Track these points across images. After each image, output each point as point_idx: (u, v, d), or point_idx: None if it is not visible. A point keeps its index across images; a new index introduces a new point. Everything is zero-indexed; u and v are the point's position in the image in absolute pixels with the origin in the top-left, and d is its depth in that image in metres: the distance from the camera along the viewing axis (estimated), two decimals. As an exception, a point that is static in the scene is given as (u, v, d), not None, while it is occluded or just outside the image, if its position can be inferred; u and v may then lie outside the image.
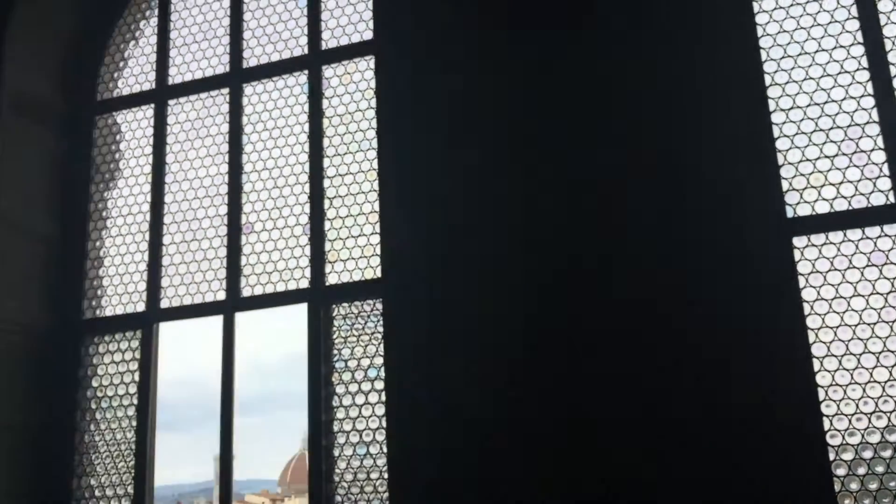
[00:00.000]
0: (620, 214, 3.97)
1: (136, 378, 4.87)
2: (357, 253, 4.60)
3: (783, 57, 4.03)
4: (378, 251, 4.52)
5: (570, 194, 4.07)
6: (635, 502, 3.65)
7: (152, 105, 5.29)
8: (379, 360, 4.39)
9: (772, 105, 3.97)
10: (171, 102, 5.28)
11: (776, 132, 3.95)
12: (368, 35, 4.84)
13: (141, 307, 4.99)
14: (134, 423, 4.79)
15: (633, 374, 3.77)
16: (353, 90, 4.85)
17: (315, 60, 4.93)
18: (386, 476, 4.21)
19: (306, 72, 4.96)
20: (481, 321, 4.08)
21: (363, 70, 4.83)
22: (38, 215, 5.05)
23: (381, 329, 4.42)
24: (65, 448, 4.84)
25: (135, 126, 5.34)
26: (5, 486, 4.53)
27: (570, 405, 3.83)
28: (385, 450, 4.25)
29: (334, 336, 4.53)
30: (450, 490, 3.94)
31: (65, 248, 5.16)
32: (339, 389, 4.44)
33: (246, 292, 4.80)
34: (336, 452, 4.36)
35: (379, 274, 4.47)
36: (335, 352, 4.51)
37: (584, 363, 3.85)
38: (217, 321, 4.80)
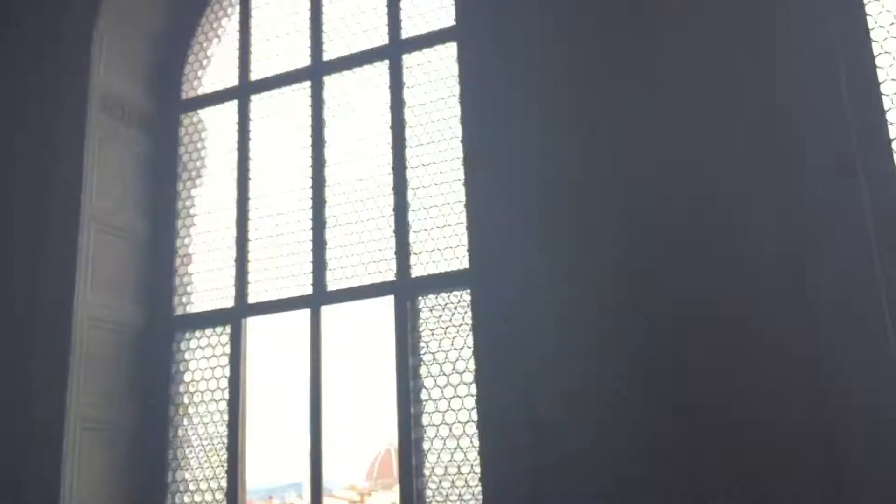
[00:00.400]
0: (728, 200, 3.77)
1: (227, 373, 4.89)
2: (443, 244, 4.51)
3: None
4: (464, 241, 4.43)
5: (667, 178, 3.89)
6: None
7: (235, 101, 5.31)
8: (467, 353, 4.29)
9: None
10: (253, 98, 5.29)
11: (888, 103, 3.69)
12: (450, 21, 4.74)
13: (229, 303, 5.02)
14: (225, 418, 4.82)
15: (737, 360, 3.57)
16: (436, 78, 4.76)
17: (396, 49, 4.86)
18: (477, 471, 4.12)
19: (387, 61, 4.90)
20: (573, 311, 3.93)
21: (445, 57, 4.74)
22: (130, 214, 5.13)
23: (468, 321, 4.33)
24: (159, 442, 4.90)
25: (219, 123, 5.37)
26: (103, 479, 4.61)
27: (675, 404, 3.65)
28: (476, 444, 4.16)
29: (421, 328, 4.46)
30: (542, 485, 3.82)
31: (155, 246, 5.23)
32: (428, 382, 4.36)
33: (332, 286, 4.77)
34: (426, 446, 4.29)
35: (466, 265, 4.38)
36: (423, 344, 4.43)
37: (691, 351, 3.67)
38: (304, 315, 4.79)
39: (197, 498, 4.79)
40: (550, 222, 4.09)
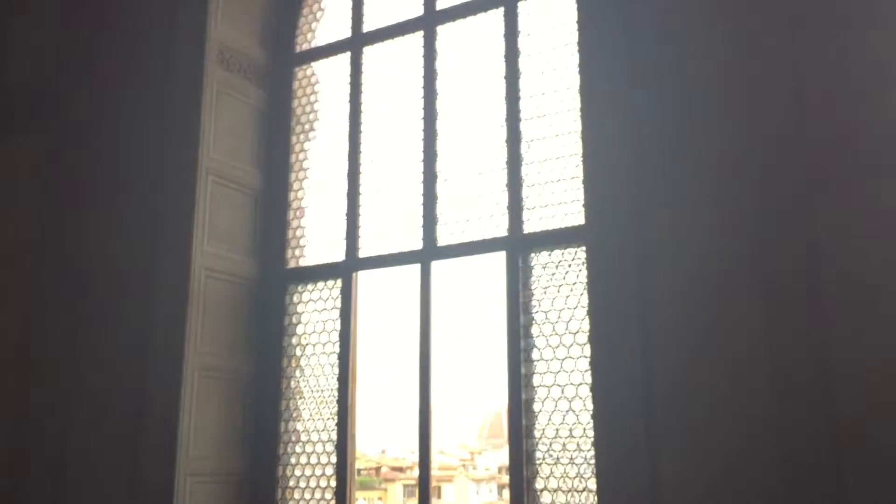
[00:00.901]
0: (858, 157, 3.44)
1: (337, 326, 4.90)
2: (557, 198, 4.33)
3: None
4: (580, 196, 4.24)
5: (799, 125, 3.58)
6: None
7: (348, 53, 5.25)
8: (581, 313, 4.12)
9: None
10: (366, 50, 5.21)
11: None
12: (567, -36, 4.50)
13: (340, 256, 5.01)
14: (336, 371, 4.83)
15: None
16: (552, 26, 4.54)
17: (511, -4, 4.67)
18: (590, 434, 3.97)
19: (502, 9, 4.71)
20: (698, 267, 3.70)
21: (563, 4, 4.50)
22: (245, 167, 5.17)
23: (582, 279, 4.15)
24: (273, 393, 4.97)
25: (332, 75, 5.33)
26: (218, 425, 4.72)
27: (814, 374, 3.38)
28: (589, 406, 4.00)
29: (533, 286, 4.31)
30: (659, 452, 3.64)
31: (269, 199, 5.27)
32: (540, 342, 4.22)
33: (442, 241, 4.68)
34: (536, 408, 4.16)
35: (581, 220, 4.19)
36: (534, 302, 4.29)
37: (826, 306, 3.39)
38: (414, 270, 4.72)
39: (308, 448, 4.84)
40: (672, 178, 3.85)
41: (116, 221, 5.16)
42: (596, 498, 3.87)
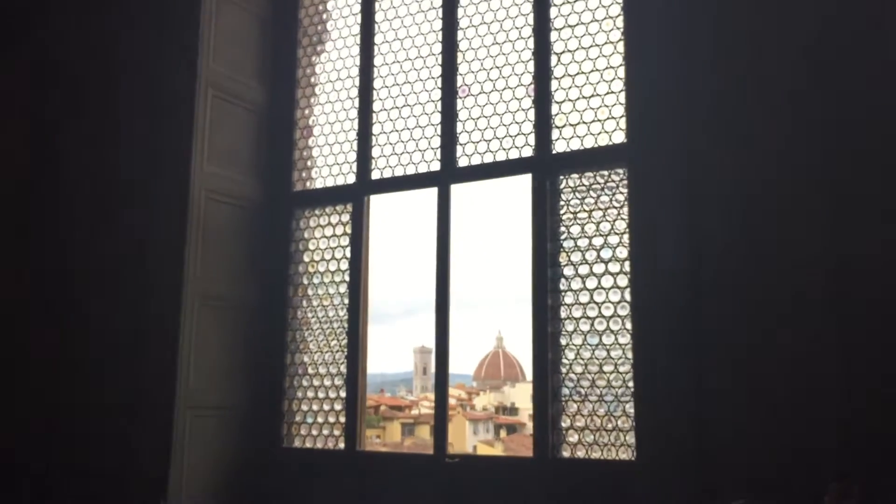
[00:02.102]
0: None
1: (348, 254, 4.58)
2: (589, 116, 3.97)
3: None
4: (615, 114, 3.88)
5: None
6: None
7: (360, -43, 4.82)
8: (614, 239, 3.80)
9: None
10: (380, -46, 4.78)
11: None
12: None
13: (351, 179, 4.66)
14: (346, 301, 4.53)
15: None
16: (587, -76, 4.12)
17: None
18: (622, 370, 3.68)
19: None
20: (755, 190, 3.36)
21: None
22: (248, 81, 4.78)
23: (616, 203, 3.82)
24: (278, 324, 4.67)
25: (342, -18, 4.91)
26: (220, 357, 4.43)
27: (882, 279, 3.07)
28: (620, 340, 3.70)
29: (562, 210, 3.97)
30: (704, 393, 3.35)
31: (274, 117, 4.90)
32: (568, 271, 3.90)
33: (462, 162, 4.32)
34: (563, 341, 3.86)
35: (616, 139, 3.85)
36: (563, 228, 3.96)
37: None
38: (431, 194, 4.39)
39: (316, 382, 4.56)
40: (723, 87, 3.48)
41: (112, 133, 4.80)
42: (628, 437, 3.61)
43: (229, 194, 4.60)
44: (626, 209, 3.78)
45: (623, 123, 3.80)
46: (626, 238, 3.75)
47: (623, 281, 3.74)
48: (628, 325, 3.69)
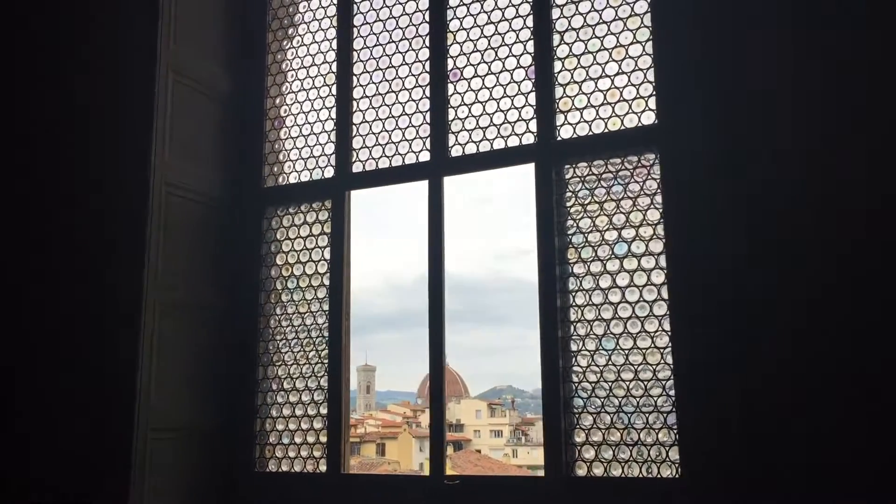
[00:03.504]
0: None
1: (327, 255, 4.14)
2: (598, 99, 3.62)
3: None
4: (629, 94, 3.54)
5: None
6: None
7: (337, -69, 4.42)
8: (629, 232, 3.45)
9: None
10: (358, -73, 4.38)
11: None
12: None
13: (329, 173, 4.23)
14: (325, 308, 4.09)
15: None
16: None
17: None
18: (643, 377, 3.32)
19: None
20: (808, 169, 3.05)
21: None
22: (212, 66, 4.33)
23: (631, 192, 3.47)
24: (249, 334, 4.21)
25: (317, -42, 4.49)
26: (185, 369, 3.94)
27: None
28: (640, 344, 3.35)
29: (569, 203, 3.61)
30: (733, 389, 3.01)
31: (241, 107, 4.45)
32: (578, 269, 3.54)
33: (455, 151, 3.94)
34: (574, 346, 3.49)
35: (632, 123, 3.52)
36: (570, 222, 3.60)
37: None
38: (421, 188, 3.99)
39: (292, 398, 4.10)
40: (759, 62, 3.17)
41: (65, 115, 4.28)
42: (652, 451, 3.25)
43: (194, 190, 4.13)
44: (642, 199, 3.44)
45: (652, 103, 3.46)
46: (644, 231, 3.41)
47: (641, 279, 3.39)
48: (649, 327, 3.34)
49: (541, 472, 3.51)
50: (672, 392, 3.25)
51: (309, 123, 4.36)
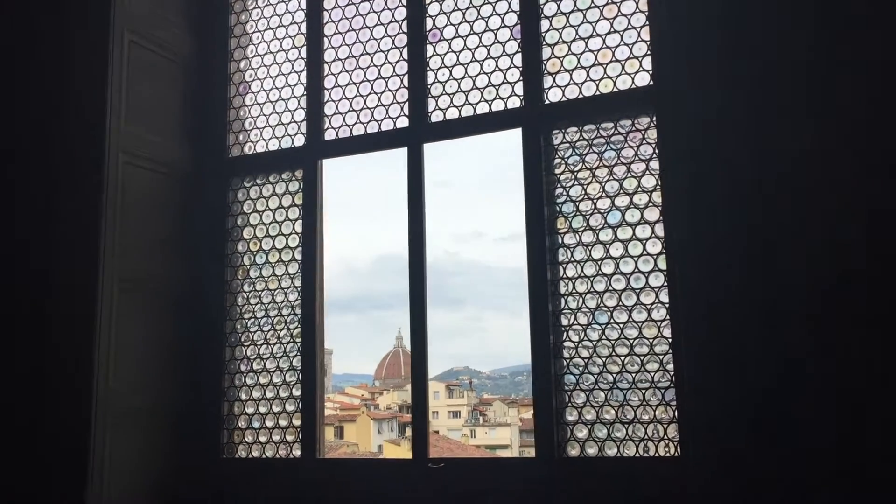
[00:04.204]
0: None
1: (298, 228, 3.89)
2: (588, 60, 3.42)
3: None
4: (621, 55, 3.36)
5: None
6: None
7: None
8: (623, 200, 3.27)
9: None
10: None
11: None
12: None
13: (300, 141, 3.98)
14: (297, 283, 3.85)
15: None
16: None
17: None
18: (639, 351, 3.15)
19: None
20: (792, 141, 2.88)
21: None
22: (171, 28, 4.02)
23: (625, 157, 3.29)
24: (215, 312, 3.95)
25: (284, -89, 4.20)
26: (145, 351, 3.68)
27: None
28: (636, 317, 3.17)
29: (558, 170, 3.42)
30: (735, 362, 2.85)
31: (203, 71, 4.16)
32: (569, 239, 3.35)
33: (436, 117, 3.71)
34: (565, 321, 3.30)
35: (621, 85, 3.33)
36: (560, 190, 3.40)
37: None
38: (399, 156, 3.76)
39: (262, 379, 3.86)
40: (758, 22, 2.99)
41: (8, 76, 3.94)
42: (649, 429, 3.09)
43: (153, 159, 3.85)
44: (637, 165, 3.27)
45: (647, 63, 3.28)
46: (639, 198, 3.23)
47: (636, 248, 3.22)
48: (645, 300, 3.17)
49: (500, 452, 3.33)
50: (670, 367, 3.09)
51: (277, 88, 4.09)
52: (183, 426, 3.80)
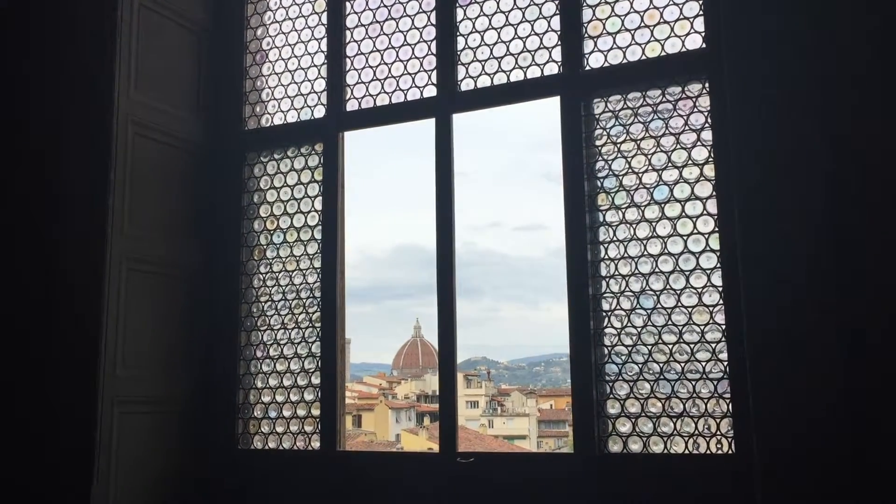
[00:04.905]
0: None
1: (318, 205, 3.65)
2: (633, 22, 3.15)
3: None
4: (667, 16, 3.08)
5: None
6: None
7: None
8: (672, 174, 2.99)
9: None
10: None
11: None
12: None
13: (320, 112, 3.73)
14: (316, 265, 3.60)
15: None
16: None
17: None
18: (688, 339, 2.88)
19: None
20: (867, 111, 2.59)
21: None
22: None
23: (675, 127, 3.01)
24: (229, 294, 3.72)
25: None
26: (156, 334, 3.46)
27: None
28: (685, 302, 2.91)
29: (600, 141, 3.15)
30: (798, 351, 2.57)
31: (218, 39, 3.92)
32: (611, 217, 3.08)
33: (466, 85, 3.45)
34: (607, 305, 3.04)
35: (670, 49, 3.06)
36: (602, 164, 3.13)
37: None
38: (426, 127, 3.51)
39: (280, 367, 3.63)
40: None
41: (18, 48, 3.72)
42: (700, 424, 2.83)
43: (165, 131, 3.62)
44: (687, 136, 3.00)
45: (699, 24, 3.01)
46: (689, 172, 2.96)
47: (685, 227, 2.95)
48: (696, 283, 2.90)
49: (518, 443, 3.09)
50: (724, 356, 2.82)
51: (296, 56, 3.84)
52: (195, 416, 3.58)
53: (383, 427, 36.09)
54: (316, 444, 3.47)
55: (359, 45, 3.69)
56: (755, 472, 2.55)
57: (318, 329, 3.53)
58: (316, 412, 3.50)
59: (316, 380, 3.52)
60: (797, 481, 2.45)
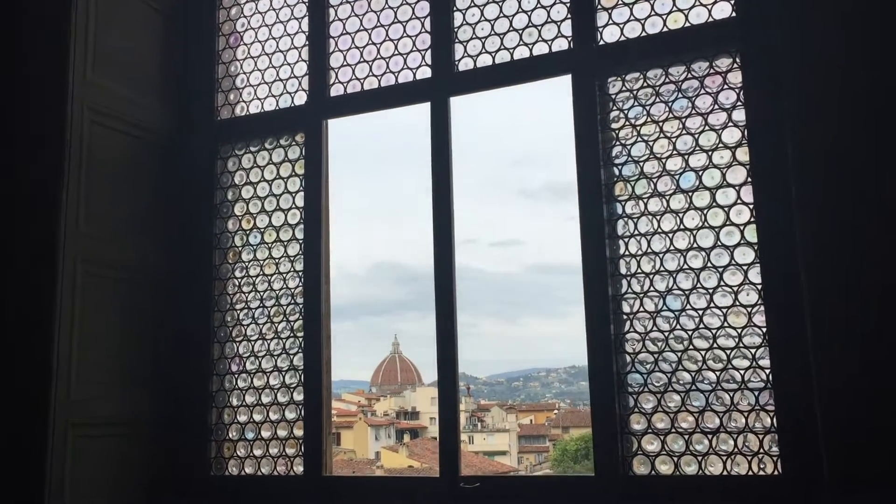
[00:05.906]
0: None
1: (299, 202, 3.28)
2: (653, -10, 2.82)
3: None
4: (694, -17, 2.75)
5: None
6: None
7: None
8: (700, 159, 2.66)
9: None
10: None
11: None
12: None
13: (301, 98, 3.37)
14: (298, 268, 3.23)
15: None
16: None
17: None
18: (723, 343, 2.54)
19: None
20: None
21: None
22: (150, -31, 3.42)
23: (702, 106, 2.68)
24: (200, 302, 3.33)
25: None
26: (116, 347, 3.06)
27: None
28: (718, 302, 2.56)
29: (617, 124, 2.81)
30: (850, 356, 2.23)
31: (187, 19, 3.55)
32: (631, 208, 2.74)
33: (464, 65, 3.10)
34: (628, 308, 2.69)
35: (694, 20, 2.74)
36: (619, 148, 2.79)
37: None
38: (420, 112, 3.15)
39: (257, 382, 3.24)
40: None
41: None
42: (739, 441, 2.48)
43: (126, 119, 3.24)
44: (716, 116, 2.67)
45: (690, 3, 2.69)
46: (719, 156, 2.63)
47: (716, 218, 2.61)
48: (731, 281, 2.56)
49: (499, 458, 2.72)
50: (765, 363, 2.48)
51: (274, 38, 3.48)
52: (163, 439, 3.19)
53: (362, 445, 35.52)
54: (299, 469, 3.08)
55: (343, 24, 3.34)
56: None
57: (301, 339, 3.15)
58: (298, 432, 3.12)
59: (298, 396, 3.13)
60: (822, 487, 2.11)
